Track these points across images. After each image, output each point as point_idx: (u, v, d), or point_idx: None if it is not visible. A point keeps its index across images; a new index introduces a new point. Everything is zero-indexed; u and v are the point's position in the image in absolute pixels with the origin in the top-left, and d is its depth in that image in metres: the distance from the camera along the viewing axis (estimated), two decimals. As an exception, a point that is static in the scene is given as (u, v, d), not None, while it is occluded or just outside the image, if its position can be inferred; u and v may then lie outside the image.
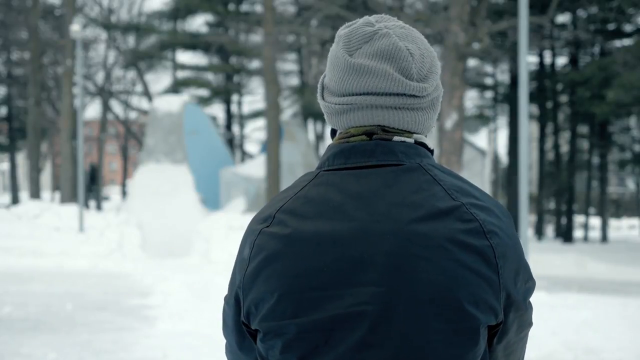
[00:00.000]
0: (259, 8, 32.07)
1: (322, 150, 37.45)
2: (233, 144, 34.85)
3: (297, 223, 1.19)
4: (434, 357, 1.13)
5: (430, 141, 1.29)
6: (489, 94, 34.53)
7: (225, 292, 1.68)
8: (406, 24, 1.27)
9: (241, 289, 1.22)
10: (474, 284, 1.14)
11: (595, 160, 31.28)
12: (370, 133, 1.23)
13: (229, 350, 1.32)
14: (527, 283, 1.22)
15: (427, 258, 1.13)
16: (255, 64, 33.88)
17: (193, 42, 32.75)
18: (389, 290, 1.13)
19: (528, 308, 1.23)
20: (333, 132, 1.32)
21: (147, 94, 35.79)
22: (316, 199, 1.20)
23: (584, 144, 33.65)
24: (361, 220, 1.16)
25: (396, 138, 1.22)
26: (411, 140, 1.24)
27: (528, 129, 11.33)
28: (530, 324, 1.26)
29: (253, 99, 60.42)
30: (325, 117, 1.30)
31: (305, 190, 1.23)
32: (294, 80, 35.96)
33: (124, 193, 41.38)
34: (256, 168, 23.64)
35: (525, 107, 10.61)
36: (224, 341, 1.34)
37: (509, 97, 28.89)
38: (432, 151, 1.27)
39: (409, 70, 1.21)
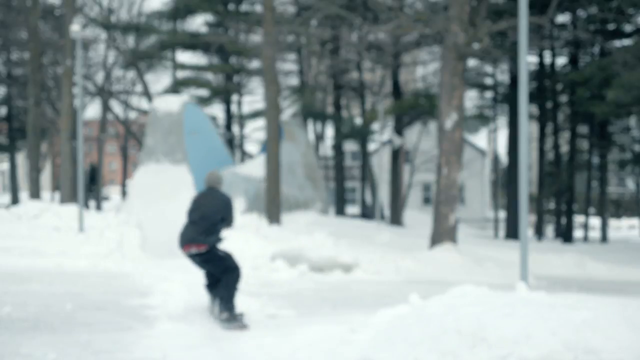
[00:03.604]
0: (258, 8, 32.07)
1: (322, 149, 37.50)
2: (233, 144, 34.86)
3: (197, 196, 8.61)
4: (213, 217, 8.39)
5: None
6: (489, 94, 34.53)
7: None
8: None
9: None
10: (225, 207, 8.44)
11: (595, 160, 31.28)
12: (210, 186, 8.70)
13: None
14: (231, 214, 8.54)
15: (215, 203, 8.42)
16: (255, 64, 33.86)
17: (193, 42, 32.72)
18: (205, 202, 8.48)
19: (232, 216, 8.58)
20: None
21: (147, 94, 35.76)
22: (199, 194, 8.66)
23: (584, 144, 33.65)
24: (204, 197, 8.54)
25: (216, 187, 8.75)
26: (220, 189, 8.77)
27: (528, 129, 11.32)
28: (233, 218, 8.63)
29: (253, 99, 60.44)
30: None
31: (201, 193, 8.71)
32: (294, 80, 35.96)
33: (124, 193, 41.40)
34: (256, 168, 23.63)
35: (525, 107, 10.61)
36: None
37: (509, 97, 28.88)
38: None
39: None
